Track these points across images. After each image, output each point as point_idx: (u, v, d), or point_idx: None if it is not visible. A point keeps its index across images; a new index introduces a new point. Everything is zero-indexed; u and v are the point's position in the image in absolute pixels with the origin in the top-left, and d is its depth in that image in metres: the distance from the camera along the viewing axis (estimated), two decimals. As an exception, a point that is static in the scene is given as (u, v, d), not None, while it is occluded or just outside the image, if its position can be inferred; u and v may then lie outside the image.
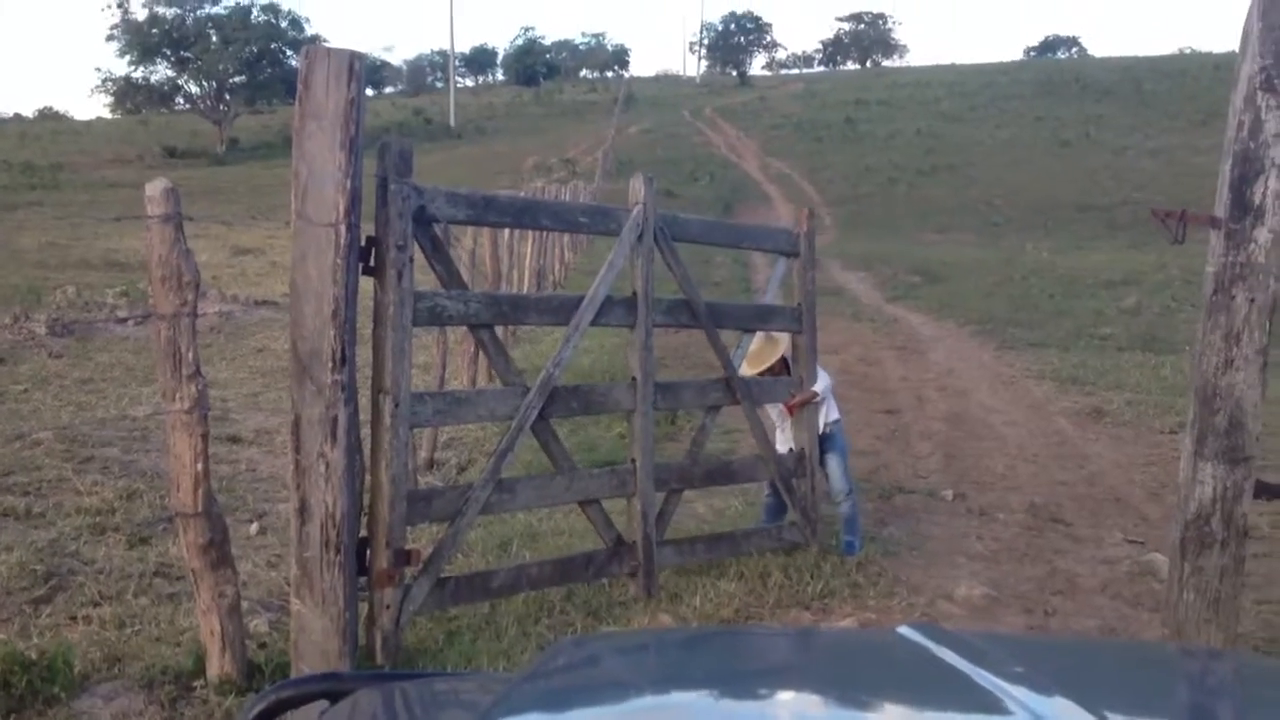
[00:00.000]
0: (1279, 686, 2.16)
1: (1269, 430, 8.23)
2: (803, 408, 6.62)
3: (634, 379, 5.75)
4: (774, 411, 6.81)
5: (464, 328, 6.53)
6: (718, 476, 6.68)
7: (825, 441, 6.75)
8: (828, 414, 6.78)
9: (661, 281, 5.88)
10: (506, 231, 13.96)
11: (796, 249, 6.67)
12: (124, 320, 13.20)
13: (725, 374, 6.28)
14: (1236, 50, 4.19)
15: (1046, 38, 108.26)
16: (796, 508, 6.57)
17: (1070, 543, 6.93)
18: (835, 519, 6.83)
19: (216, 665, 4.27)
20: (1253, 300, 4.16)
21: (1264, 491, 4.22)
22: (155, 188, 3.89)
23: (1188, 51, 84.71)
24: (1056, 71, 72.59)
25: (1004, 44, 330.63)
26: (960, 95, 65.94)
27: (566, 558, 5.59)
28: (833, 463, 6.74)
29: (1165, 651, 3.07)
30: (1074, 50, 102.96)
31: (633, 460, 5.77)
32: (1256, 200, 4.12)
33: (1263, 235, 4.13)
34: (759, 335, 6.60)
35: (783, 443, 6.72)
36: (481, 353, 8.04)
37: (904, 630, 2.03)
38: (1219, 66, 54.95)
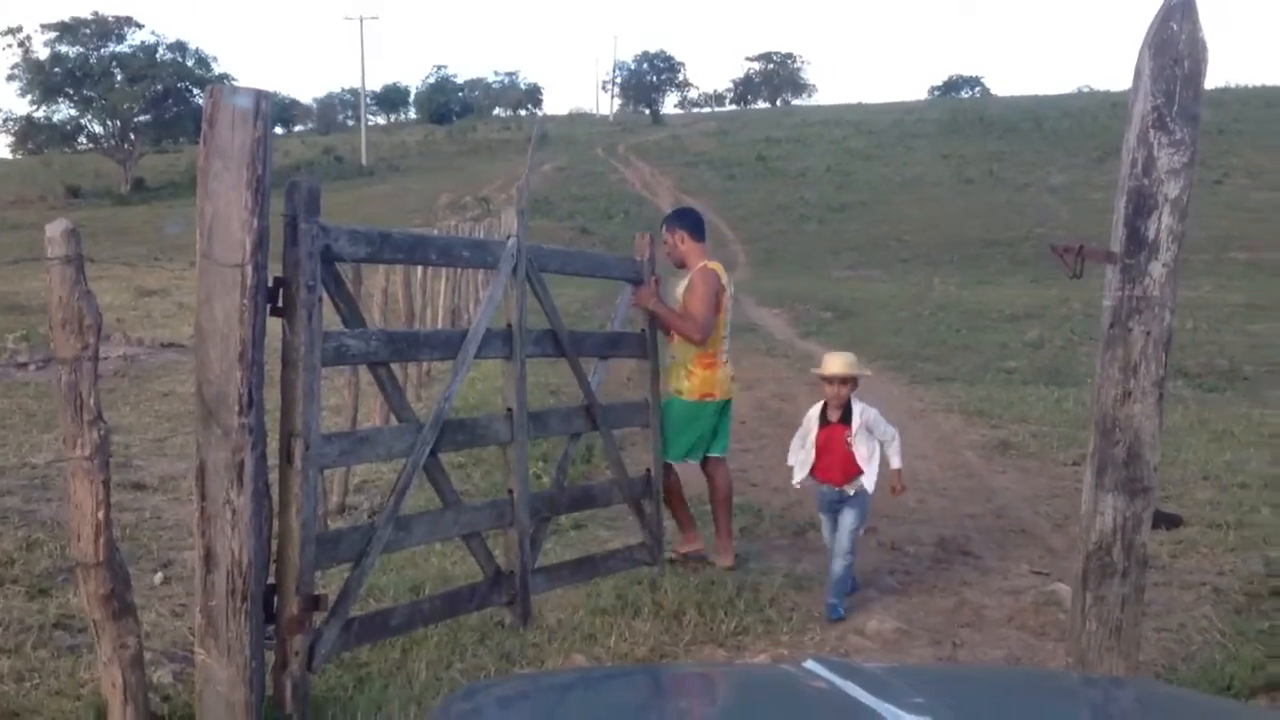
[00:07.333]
0: (1178, 714, 2.21)
1: (1167, 461, 8.47)
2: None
3: (509, 410, 5.78)
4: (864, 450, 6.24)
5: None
6: (581, 502, 6.89)
7: (851, 498, 6.28)
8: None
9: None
10: (420, 270, 13.87)
11: (640, 276, 6.90)
12: (24, 365, 12.87)
13: (586, 401, 6.39)
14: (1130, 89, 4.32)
15: (950, 77, 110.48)
16: (645, 528, 6.73)
17: (978, 575, 7.03)
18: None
19: (118, 718, 4.15)
20: (1149, 333, 4.27)
21: (1161, 521, 4.33)
22: (55, 228, 3.80)
23: (1086, 90, 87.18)
24: (960, 110, 74.12)
25: (909, 83, 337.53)
26: (868, 133, 67.07)
27: (453, 591, 5.63)
28: (850, 518, 6.25)
29: (1068, 680, 3.13)
30: (977, 89, 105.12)
31: (510, 491, 5.80)
32: (1150, 235, 4.24)
33: (1157, 269, 4.25)
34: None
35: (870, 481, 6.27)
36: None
37: (810, 664, 2.05)
38: (1116, 104, 56.53)
